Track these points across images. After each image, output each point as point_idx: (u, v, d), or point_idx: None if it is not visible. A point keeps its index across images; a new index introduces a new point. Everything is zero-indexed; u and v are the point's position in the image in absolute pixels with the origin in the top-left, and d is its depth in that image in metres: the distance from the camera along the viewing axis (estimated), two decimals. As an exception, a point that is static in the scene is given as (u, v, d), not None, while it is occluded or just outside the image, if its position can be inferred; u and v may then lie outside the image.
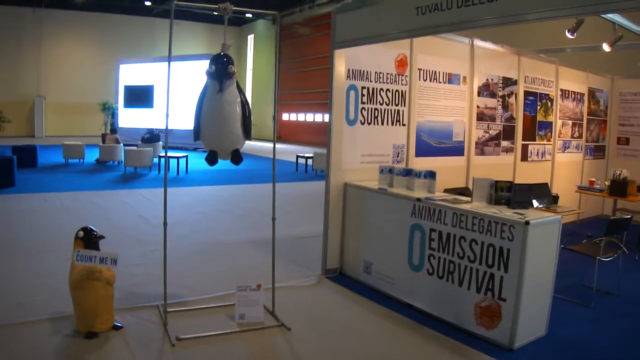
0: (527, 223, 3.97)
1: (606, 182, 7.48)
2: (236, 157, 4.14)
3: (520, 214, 4.20)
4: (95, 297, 3.92)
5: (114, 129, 17.45)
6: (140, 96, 22.93)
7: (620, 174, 7.16)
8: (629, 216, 5.54)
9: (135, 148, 14.50)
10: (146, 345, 3.89)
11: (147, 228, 7.71)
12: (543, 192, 6.25)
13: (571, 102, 8.96)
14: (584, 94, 9.23)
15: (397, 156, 6.21)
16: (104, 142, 16.94)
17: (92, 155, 15.75)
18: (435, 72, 6.51)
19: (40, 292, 4.86)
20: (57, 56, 27.60)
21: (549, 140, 8.57)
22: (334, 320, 4.59)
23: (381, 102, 5.94)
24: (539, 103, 8.24)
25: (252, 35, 35.91)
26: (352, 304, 5.00)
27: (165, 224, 4.24)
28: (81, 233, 4.05)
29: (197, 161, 17.07)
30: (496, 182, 4.63)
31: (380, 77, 5.90)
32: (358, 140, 5.80)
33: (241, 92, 4.09)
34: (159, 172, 14.25)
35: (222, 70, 3.82)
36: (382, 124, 5.99)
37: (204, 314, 4.52)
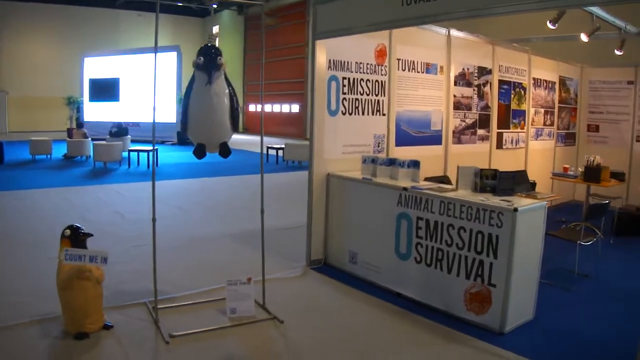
0: (515, 210, 4.05)
1: (579, 169, 7.65)
2: (224, 150, 4.09)
3: (508, 201, 4.27)
4: (84, 297, 3.81)
5: (81, 124, 17.04)
6: (105, 89, 22.43)
7: (594, 161, 7.33)
8: (607, 201, 5.67)
9: (104, 142, 14.18)
10: (139, 344, 3.81)
11: (125, 224, 7.57)
12: (522, 179, 6.34)
13: (543, 90, 9.13)
14: (555, 83, 9.42)
15: (378, 146, 6.23)
16: (70, 136, 16.56)
17: (59, 151, 15.34)
18: (413, 62, 6.54)
19: (21, 293, 4.71)
20: (18, 50, 26.75)
21: (522, 128, 8.72)
22: (325, 311, 4.59)
23: (362, 92, 5.94)
24: (512, 92, 8.37)
25: (217, 27, 35.49)
26: (341, 294, 5.02)
27: (154, 219, 4.16)
28: (68, 231, 3.93)
29: (166, 154, 16.84)
30: (481, 170, 4.69)
31: (360, 68, 5.90)
32: (340, 130, 5.79)
33: (229, 84, 4.02)
34: (129, 166, 13.98)
35: (211, 62, 3.75)
36: (363, 114, 5.99)
37: (193, 310, 4.46)
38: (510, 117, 8.41)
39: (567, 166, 8.16)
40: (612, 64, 9.66)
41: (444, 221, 4.52)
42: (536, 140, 9.11)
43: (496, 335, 4.16)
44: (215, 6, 32.54)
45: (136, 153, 14.25)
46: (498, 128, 8.16)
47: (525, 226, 4.15)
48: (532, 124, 8.93)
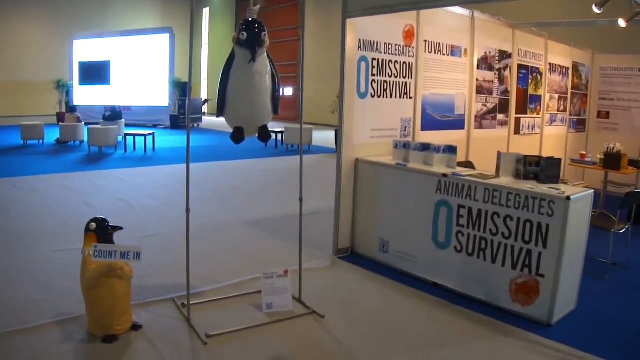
0: (568, 198, 3.87)
1: (598, 155, 7.51)
2: (264, 133, 3.82)
3: (557, 189, 4.09)
4: (113, 296, 3.50)
5: (73, 107, 16.53)
6: (95, 73, 21.79)
7: (613, 148, 7.19)
8: (639, 190, 5.53)
9: (99, 127, 13.76)
10: (175, 345, 3.54)
11: (132, 212, 7.28)
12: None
13: (558, 76, 8.97)
14: (569, 68, 9.26)
15: (405, 130, 6.01)
16: (60, 121, 16.09)
17: (51, 136, 14.88)
18: (439, 44, 6.32)
19: (34, 290, 4.36)
20: (4, 32, 25.86)
21: (538, 114, 8.56)
22: (363, 303, 4.40)
23: (390, 74, 5.71)
24: (530, 76, 8.19)
25: (207, 9, 34.81)
26: (375, 285, 4.82)
27: (187, 210, 3.85)
28: (93, 225, 3.58)
29: (161, 138, 16.45)
30: (525, 156, 4.50)
31: (389, 49, 5.66)
32: (368, 114, 5.56)
33: (272, 62, 3.76)
34: (125, 151, 13.60)
35: (255, 37, 3.46)
36: (391, 97, 5.77)
37: (225, 306, 4.21)
38: (527, 102, 8.23)
39: (584, 153, 8.03)
40: (624, 51, 9.53)
41: (488, 209, 4.33)
42: (550, 126, 8.96)
43: (544, 326, 4.02)
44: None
45: (132, 137, 13.86)
46: (516, 113, 7.98)
47: (575, 215, 3.97)
48: (547, 110, 8.77)
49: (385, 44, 5.60)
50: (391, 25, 5.64)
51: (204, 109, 25.12)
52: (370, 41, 5.44)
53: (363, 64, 5.40)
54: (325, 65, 19.44)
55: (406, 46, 5.85)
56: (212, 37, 34.56)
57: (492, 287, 4.34)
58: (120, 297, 3.55)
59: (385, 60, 5.63)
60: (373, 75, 5.52)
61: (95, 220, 3.62)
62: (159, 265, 4.97)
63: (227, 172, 10.95)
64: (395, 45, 5.72)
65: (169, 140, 16.78)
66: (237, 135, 3.80)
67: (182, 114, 21.53)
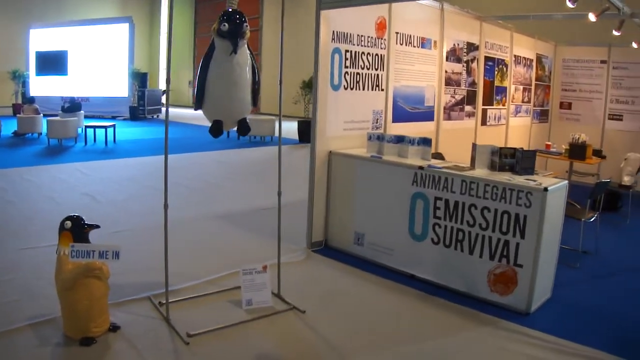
0: (545, 189, 3.93)
1: (563, 146, 7.69)
2: (244, 126, 3.74)
3: (533, 180, 4.15)
4: (90, 297, 3.36)
5: (32, 99, 15.92)
6: (53, 63, 21.04)
7: (579, 138, 7.37)
8: (608, 179, 5.68)
9: (58, 118, 13.32)
10: (155, 346, 3.43)
11: (98, 207, 7.06)
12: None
13: (522, 67, 9.13)
14: (532, 60, 9.43)
15: (376, 122, 6.01)
16: (16, 112, 15.52)
17: (7, 128, 14.32)
18: (410, 35, 6.33)
19: (5, 292, 4.14)
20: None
21: (503, 105, 8.70)
22: (342, 297, 4.37)
23: (362, 66, 5.69)
24: (496, 68, 8.30)
25: (166, -2, 34.10)
26: (352, 278, 4.81)
27: (165, 206, 3.72)
28: (68, 223, 3.42)
29: (122, 130, 16.03)
30: (500, 148, 4.55)
31: (362, 41, 5.63)
32: (341, 106, 5.53)
33: (251, 54, 3.67)
34: (86, 143, 13.20)
35: (237, 28, 3.36)
36: (364, 89, 5.75)
37: (204, 303, 4.11)
38: (493, 93, 8.35)
39: (550, 143, 8.21)
40: (586, 43, 9.77)
41: (465, 201, 4.36)
42: (515, 117, 9.12)
43: (522, 315, 4.10)
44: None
45: (92, 129, 13.48)
46: (483, 105, 8.09)
47: (552, 205, 4.05)
48: (512, 101, 8.92)
49: (358, 35, 5.57)
50: (364, 17, 5.62)
51: (163, 99, 24.63)
52: (344, 33, 5.40)
53: (337, 56, 5.36)
54: (286, 55, 19.28)
55: (378, 38, 5.84)
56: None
57: (470, 278, 4.39)
58: (98, 298, 3.42)
59: (358, 52, 5.60)
60: (346, 67, 5.48)
61: (70, 218, 3.47)
62: (132, 262, 4.80)
63: (192, 164, 10.74)
64: (368, 37, 5.70)
65: (129, 132, 16.40)
66: (216, 129, 3.70)
67: (142, 105, 21.08)
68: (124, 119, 20.36)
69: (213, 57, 3.52)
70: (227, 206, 7.31)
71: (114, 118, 19.59)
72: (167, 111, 3.54)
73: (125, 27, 20.70)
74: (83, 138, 13.41)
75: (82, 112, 15.53)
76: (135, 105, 21.07)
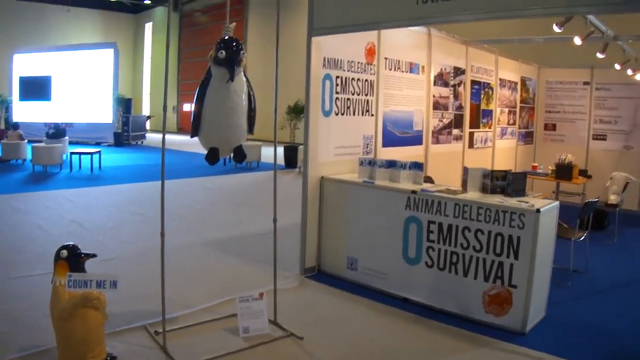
0: (538, 211, 3.99)
1: (550, 167, 7.81)
2: (240, 153, 3.77)
3: (525, 202, 4.21)
4: (86, 327, 3.30)
5: (16, 125, 15.80)
6: (36, 88, 20.97)
7: (565, 159, 7.50)
8: (596, 199, 5.77)
9: (43, 145, 13.24)
10: (155, 374, 3.40)
11: (86, 234, 6.99)
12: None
13: (507, 90, 9.30)
14: (517, 83, 9.62)
15: (367, 147, 6.07)
16: (1, 137, 15.39)
17: (-11, 155, 14.21)
18: (399, 61, 6.43)
19: None
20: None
21: (490, 128, 8.83)
22: (339, 323, 4.36)
23: (353, 92, 5.76)
24: (482, 92, 8.45)
25: (150, 24, 34.26)
26: (347, 303, 4.81)
27: (162, 234, 3.72)
28: (64, 252, 3.39)
29: (107, 156, 15.94)
30: (492, 171, 4.62)
31: (352, 66, 5.72)
32: (333, 132, 5.58)
33: (248, 81, 3.71)
34: (71, 170, 13.12)
35: (233, 55, 3.41)
36: (354, 114, 5.82)
37: (200, 331, 4.07)
38: (480, 116, 8.48)
39: (536, 164, 8.33)
40: (569, 65, 10.00)
41: (458, 224, 4.41)
42: (501, 139, 9.26)
43: (518, 335, 4.13)
44: (148, 2, 31.33)
45: (78, 156, 13.41)
46: (470, 128, 8.21)
47: (544, 226, 4.12)
48: (498, 124, 9.06)
49: (348, 61, 5.65)
50: (354, 43, 5.71)
51: (147, 125, 24.59)
52: (335, 59, 5.48)
53: (327, 82, 5.43)
54: (269, 80, 19.29)
55: (368, 64, 5.92)
56: (155, 52, 34.04)
57: (465, 300, 4.42)
58: (95, 328, 3.37)
59: (349, 78, 5.68)
60: (337, 93, 5.55)
61: (66, 247, 3.44)
62: (125, 290, 4.67)
63: (179, 191, 10.68)
64: (358, 63, 5.79)
65: (114, 158, 16.34)
66: (212, 156, 3.72)
67: (126, 131, 21.03)
68: (108, 145, 20.27)
69: (210, 85, 3.56)
70: (217, 232, 7.28)
71: (98, 144, 19.48)
72: (163, 139, 3.55)
73: (109, 52, 20.73)
74: (68, 164, 13.34)
75: (66, 138, 15.46)
76: (120, 131, 21.03)
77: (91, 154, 13.34)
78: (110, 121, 21.03)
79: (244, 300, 4.03)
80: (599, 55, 7.18)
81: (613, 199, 7.67)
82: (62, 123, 18.36)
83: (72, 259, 3.42)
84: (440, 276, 4.56)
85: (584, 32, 6.18)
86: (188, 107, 30.93)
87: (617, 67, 8.20)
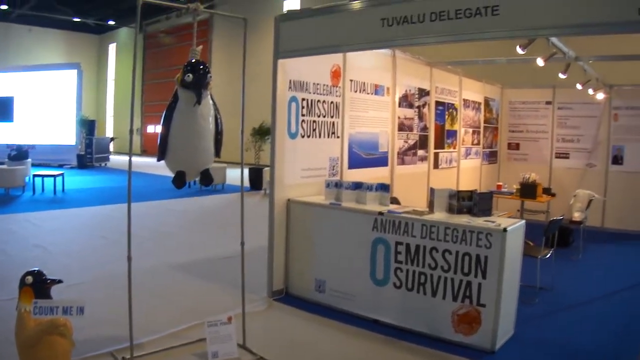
0: (504, 230, 4.06)
1: (514, 185, 7.96)
2: (207, 176, 3.74)
3: (492, 222, 4.27)
4: (53, 355, 3.24)
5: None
6: (-2, 109, 20.58)
7: (529, 178, 7.65)
8: (561, 217, 5.89)
9: (5, 167, 12.93)
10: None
11: (50, 258, 6.80)
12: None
13: (471, 110, 9.49)
14: (481, 103, 9.82)
15: (333, 169, 6.08)
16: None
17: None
18: (364, 83, 6.51)
19: None
20: None
21: (454, 148, 8.97)
22: (308, 346, 4.32)
23: (319, 114, 5.79)
24: (446, 112, 8.60)
25: (114, 45, 33.98)
26: (316, 325, 4.77)
27: (129, 258, 3.65)
28: (29, 279, 3.33)
29: (70, 179, 15.64)
30: (458, 191, 4.68)
31: (317, 89, 5.75)
32: (299, 154, 5.58)
33: (215, 104, 3.70)
34: (34, 192, 12.80)
35: (201, 79, 3.40)
36: (320, 136, 5.84)
37: (168, 357, 3.98)
38: (444, 137, 8.62)
39: (501, 183, 8.48)
40: (531, 85, 10.26)
41: (426, 245, 4.44)
42: (466, 159, 9.41)
43: (488, 354, 4.16)
44: (112, 22, 31.10)
45: (41, 178, 13.12)
46: (435, 148, 8.33)
47: (511, 245, 4.18)
48: (462, 144, 9.22)
49: (314, 84, 5.69)
50: (320, 66, 5.76)
51: (111, 147, 24.22)
52: (300, 82, 5.51)
53: (294, 104, 5.45)
54: (233, 102, 19.45)
55: (333, 86, 5.97)
56: (118, 73, 33.72)
57: (434, 320, 4.43)
58: (62, 355, 3.30)
59: (314, 100, 5.71)
60: (303, 115, 5.57)
61: (31, 273, 3.39)
62: (91, 316, 4.58)
63: (144, 214, 10.49)
64: (324, 85, 5.83)
65: (77, 180, 16.05)
66: (179, 180, 3.69)
67: (89, 153, 20.70)
68: (72, 167, 19.90)
69: (177, 108, 3.53)
70: (184, 255, 7.18)
71: (61, 166, 19.11)
72: (129, 162, 3.50)
73: (73, 73, 20.45)
74: (31, 187, 13.03)
75: (29, 160, 15.08)
76: (83, 153, 20.69)
77: (54, 176, 13.06)
78: (74, 143, 20.68)
79: (212, 325, 3.96)
80: (561, 76, 7.39)
81: (577, 216, 7.84)
82: (25, 145, 17.90)
83: (38, 285, 3.38)
84: (409, 297, 4.58)
85: (547, 53, 6.35)
86: (152, 129, 30.60)
87: (579, 86, 8.45)
